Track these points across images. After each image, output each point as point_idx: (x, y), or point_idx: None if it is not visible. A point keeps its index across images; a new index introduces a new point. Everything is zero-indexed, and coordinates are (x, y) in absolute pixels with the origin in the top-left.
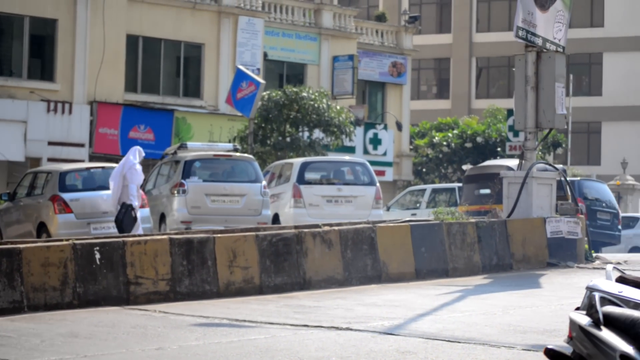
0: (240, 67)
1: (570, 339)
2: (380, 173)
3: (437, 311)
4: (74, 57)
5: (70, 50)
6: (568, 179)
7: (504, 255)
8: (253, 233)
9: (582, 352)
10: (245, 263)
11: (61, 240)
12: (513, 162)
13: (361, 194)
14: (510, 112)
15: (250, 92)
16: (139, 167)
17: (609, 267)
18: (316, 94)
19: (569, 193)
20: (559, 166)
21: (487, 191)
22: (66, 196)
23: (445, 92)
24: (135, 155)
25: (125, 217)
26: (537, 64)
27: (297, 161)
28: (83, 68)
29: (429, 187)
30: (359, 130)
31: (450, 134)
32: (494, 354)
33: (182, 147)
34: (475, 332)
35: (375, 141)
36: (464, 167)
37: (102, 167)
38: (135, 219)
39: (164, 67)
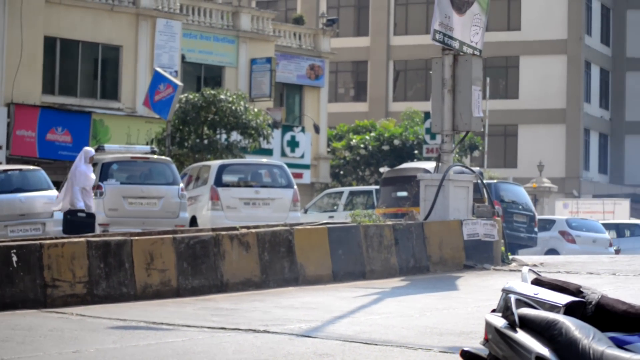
0: (158, 69)
1: (486, 341)
2: (298, 175)
3: (354, 313)
4: None
5: None
6: (485, 181)
7: (421, 257)
8: (170, 236)
9: (498, 354)
10: (162, 266)
11: None
12: (430, 165)
13: (279, 196)
14: (427, 115)
15: (167, 95)
16: (83, 169)
17: (525, 269)
18: (234, 96)
19: (486, 196)
20: (476, 169)
21: (405, 194)
22: None
23: (363, 94)
24: (81, 157)
25: (65, 226)
26: (454, 67)
27: (215, 164)
28: (0, 70)
29: (346, 189)
30: (277, 133)
31: (367, 137)
32: (410, 356)
33: (100, 149)
34: (392, 334)
35: (293, 144)
36: (382, 169)
37: (20, 170)
38: (77, 223)
39: (81, 69)
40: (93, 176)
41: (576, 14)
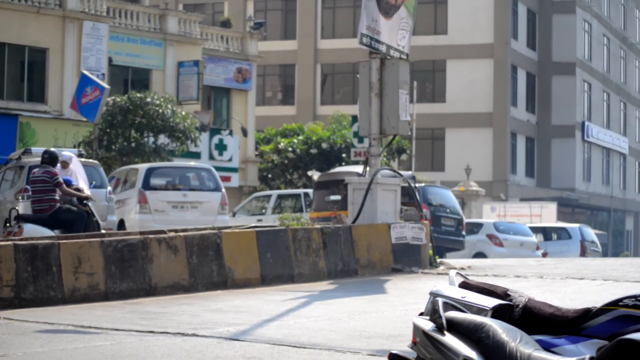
0: (85, 72)
1: (414, 344)
2: (226, 179)
3: (282, 317)
4: None
5: None
6: (414, 185)
7: (350, 260)
8: (98, 239)
9: (425, 357)
10: (90, 269)
11: None
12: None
13: (207, 199)
14: (355, 119)
15: (95, 98)
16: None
17: (453, 272)
18: (161, 99)
19: (416, 199)
20: (408, 173)
21: (338, 197)
22: None
23: (291, 98)
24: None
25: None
26: (381, 71)
27: (143, 167)
28: None
29: (274, 193)
30: (205, 136)
31: (295, 140)
32: (339, 359)
33: (27, 152)
34: (320, 337)
35: (221, 147)
36: (309, 173)
37: None
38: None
39: (7, 71)
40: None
41: (502, 18)
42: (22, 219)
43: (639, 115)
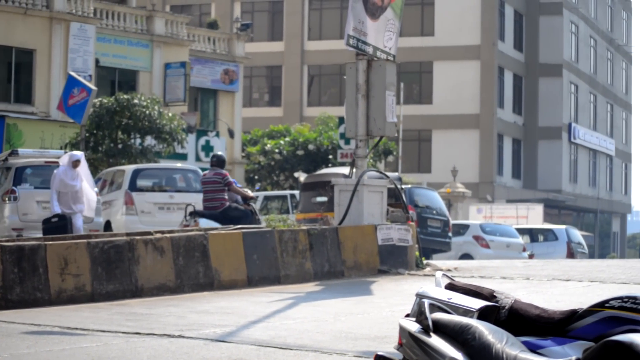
0: (72, 73)
1: (400, 346)
2: None
3: (269, 318)
4: None
5: None
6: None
7: (336, 262)
8: (85, 240)
9: (411, 358)
10: (77, 270)
11: None
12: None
13: (193, 201)
14: (341, 120)
15: (81, 99)
16: (60, 171)
17: (439, 274)
18: (148, 100)
19: (402, 201)
20: (395, 174)
21: (324, 199)
22: None
23: (277, 99)
24: (62, 160)
25: (43, 234)
26: (367, 72)
27: (129, 168)
28: None
29: (261, 194)
30: (191, 137)
31: (282, 142)
32: None
33: (14, 153)
34: (307, 339)
35: (208, 148)
36: (296, 174)
37: None
38: (52, 229)
39: None
40: (73, 182)
41: (489, 20)
42: (197, 214)
43: (625, 117)
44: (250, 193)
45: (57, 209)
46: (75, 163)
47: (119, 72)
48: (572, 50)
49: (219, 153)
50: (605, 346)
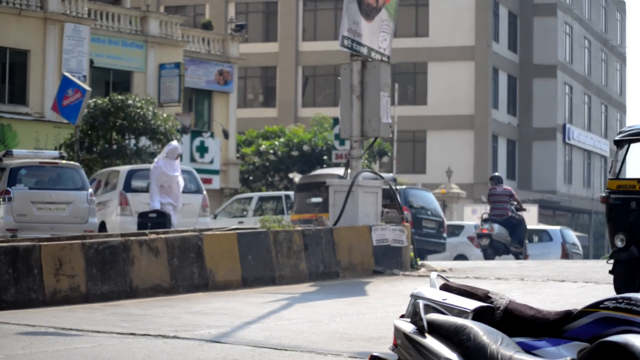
0: (66, 74)
1: (395, 347)
2: (207, 181)
3: (264, 319)
4: None
5: None
6: (395, 187)
7: (331, 263)
8: (79, 241)
9: (406, 359)
10: (71, 271)
11: None
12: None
13: (188, 201)
14: (336, 121)
15: (76, 100)
16: (160, 164)
17: (434, 274)
18: (142, 101)
19: (397, 201)
20: (389, 175)
21: (319, 200)
22: None
23: (272, 100)
24: (163, 152)
25: (138, 229)
26: (362, 73)
27: (124, 169)
28: None
29: (255, 195)
30: (186, 138)
31: (277, 142)
32: None
33: (8, 154)
34: (302, 339)
35: (202, 149)
36: (291, 175)
37: None
38: (148, 225)
39: None
40: (176, 173)
41: (483, 21)
42: (490, 221)
43: (619, 118)
44: (522, 205)
45: (157, 204)
46: (177, 155)
47: (113, 73)
48: (566, 51)
49: (497, 174)
50: (600, 347)
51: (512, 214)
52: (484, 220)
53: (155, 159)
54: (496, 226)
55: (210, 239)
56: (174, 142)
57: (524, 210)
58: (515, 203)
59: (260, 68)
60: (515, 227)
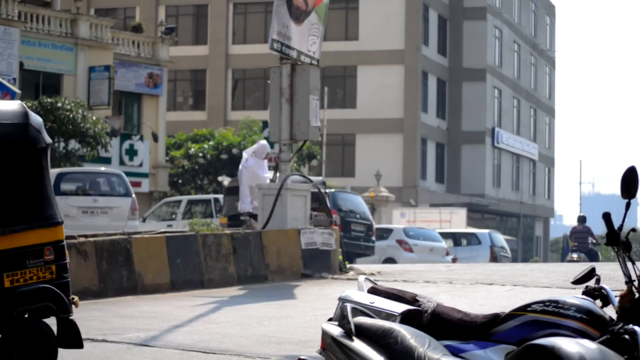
0: None
1: (323, 350)
2: (136, 184)
3: (192, 322)
4: None
5: None
6: (324, 190)
7: (259, 266)
8: None
9: None
10: None
11: None
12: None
13: (117, 205)
14: (265, 124)
15: None
16: (251, 163)
17: (362, 278)
18: (72, 104)
19: (326, 205)
20: (318, 178)
21: None
22: None
23: (202, 103)
24: (252, 151)
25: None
26: (292, 77)
27: (53, 172)
28: None
29: (184, 198)
30: (115, 141)
31: (206, 146)
32: None
33: None
34: (230, 343)
35: (131, 152)
36: (220, 178)
37: None
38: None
39: None
40: (266, 174)
41: (413, 25)
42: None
43: (548, 122)
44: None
45: (248, 207)
46: (267, 154)
47: (43, 76)
48: (495, 55)
49: (583, 215)
50: (527, 350)
51: (591, 247)
52: (573, 251)
53: (243, 159)
54: (582, 255)
55: (139, 243)
56: (263, 140)
57: (599, 244)
58: (593, 238)
59: (190, 71)
60: (593, 256)
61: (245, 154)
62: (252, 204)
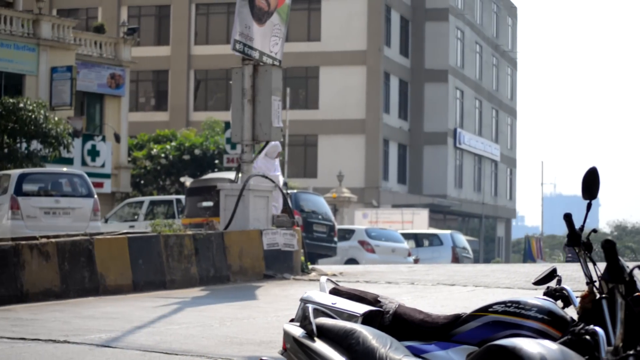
0: None
1: (284, 351)
2: (99, 185)
3: (154, 323)
4: None
5: None
6: (286, 191)
7: (222, 267)
8: None
9: None
10: None
11: None
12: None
13: (79, 205)
14: (227, 125)
15: None
16: (260, 164)
17: (323, 279)
18: (34, 105)
19: (288, 206)
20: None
21: (210, 204)
22: None
23: (164, 104)
24: (264, 151)
25: None
26: (254, 77)
27: (15, 172)
28: None
29: (147, 199)
30: (77, 142)
31: (168, 146)
32: None
33: None
34: (192, 344)
35: (94, 153)
36: (182, 179)
37: None
38: None
39: None
40: (277, 172)
41: (375, 26)
42: None
43: (510, 123)
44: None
45: None
46: (278, 154)
47: (5, 76)
48: (457, 56)
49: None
50: (488, 350)
51: None
52: (567, 261)
53: (255, 160)
54: None
55: (101, 243)
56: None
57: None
58: None
59: (152, 72)
60: None
61: (256, 156)
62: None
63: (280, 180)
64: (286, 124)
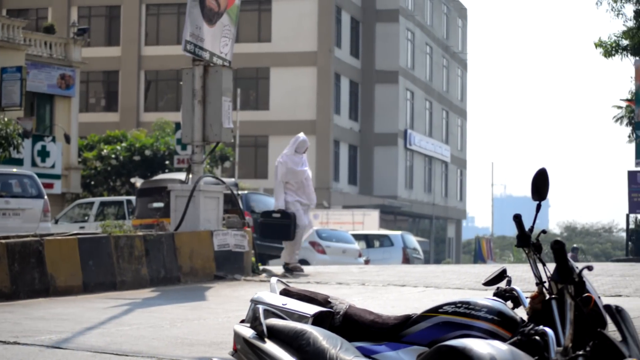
0: None
1: (235, 352)
2: (49, 186)
3: (104, 324)
4: None
5: None
6: (237, 192)
7: (172, 268)
8: None
9: None
10: None
11: None
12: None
13: (29, 206)
14: (178, 126)
15: None
16: (285, 159)
17: (274, 279)
18: None
19: (239, 206)
20: (231, 180)
21: (161, 205)
22: None
23: (114, 104)
24: (290, 145)
25: (257, 230)
26: (204, 78)
27: None
28: None
29: (97, 200)
30: (27, 143)
31: (118, 147)
32: None
33: None
34: (142, 345)
35: (44, 153)
36: (132, 180)
37: None
38: (270, 225)
39: None
40: (305, 167)
41: (326, 27)
42: None
43: (460, 124)
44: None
45: (282, 204)
46: (304, 148)
47: None
48: (408, 57)
49: (575, 245)
50: (438, 351)
51: None
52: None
53: (281, 155)
54: None
55: (51, 244)
56: (302, 135)
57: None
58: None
59: (102, 72)
60: None
61: (286, 150)
62: (288, 201)
63: (309, 175)
64: (237, 125)
